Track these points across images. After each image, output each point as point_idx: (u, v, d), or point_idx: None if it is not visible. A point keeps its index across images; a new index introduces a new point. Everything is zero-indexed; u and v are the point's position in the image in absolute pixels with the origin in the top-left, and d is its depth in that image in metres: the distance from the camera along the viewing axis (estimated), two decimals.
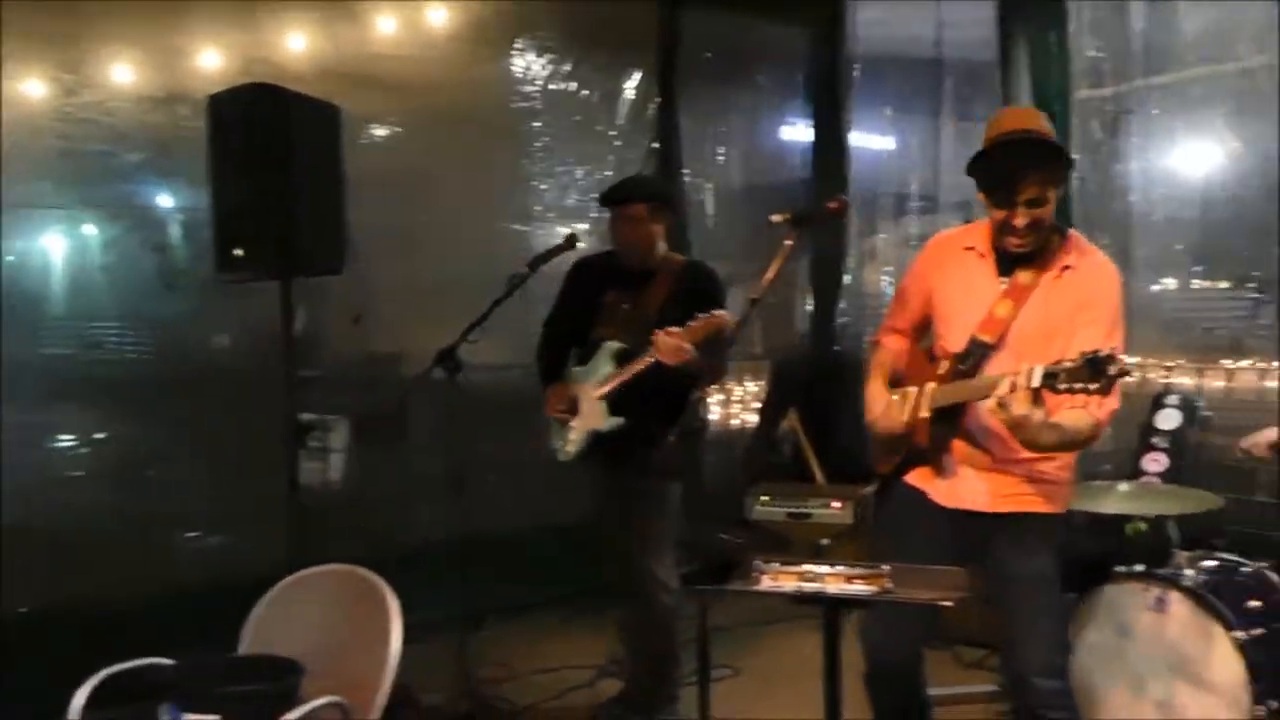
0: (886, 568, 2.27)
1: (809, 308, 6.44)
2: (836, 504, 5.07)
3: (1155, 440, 4.67)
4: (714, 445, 6.26)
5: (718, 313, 3.22)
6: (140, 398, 4.37)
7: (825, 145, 6.33)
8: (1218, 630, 3.04)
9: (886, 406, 2.76)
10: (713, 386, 3.79)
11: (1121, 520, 3.98)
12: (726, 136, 6.25)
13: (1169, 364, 5.13)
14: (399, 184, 4.97)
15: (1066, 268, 2.57)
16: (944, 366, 2.68)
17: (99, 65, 4.32)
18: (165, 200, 4.62)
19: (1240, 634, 2.99)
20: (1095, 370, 2.15)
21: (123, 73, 4.42)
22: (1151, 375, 5.18)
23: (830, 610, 2.32)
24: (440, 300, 4.69)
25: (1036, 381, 2.25)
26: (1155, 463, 4.63)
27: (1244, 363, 4.96)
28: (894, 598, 2.24)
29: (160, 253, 4.50)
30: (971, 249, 2.70)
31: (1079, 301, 2.52)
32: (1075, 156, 5.27)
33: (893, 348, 2.94)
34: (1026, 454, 2.57)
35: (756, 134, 6.48)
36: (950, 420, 2.66)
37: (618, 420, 3.57)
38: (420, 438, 4.80)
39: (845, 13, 6.17)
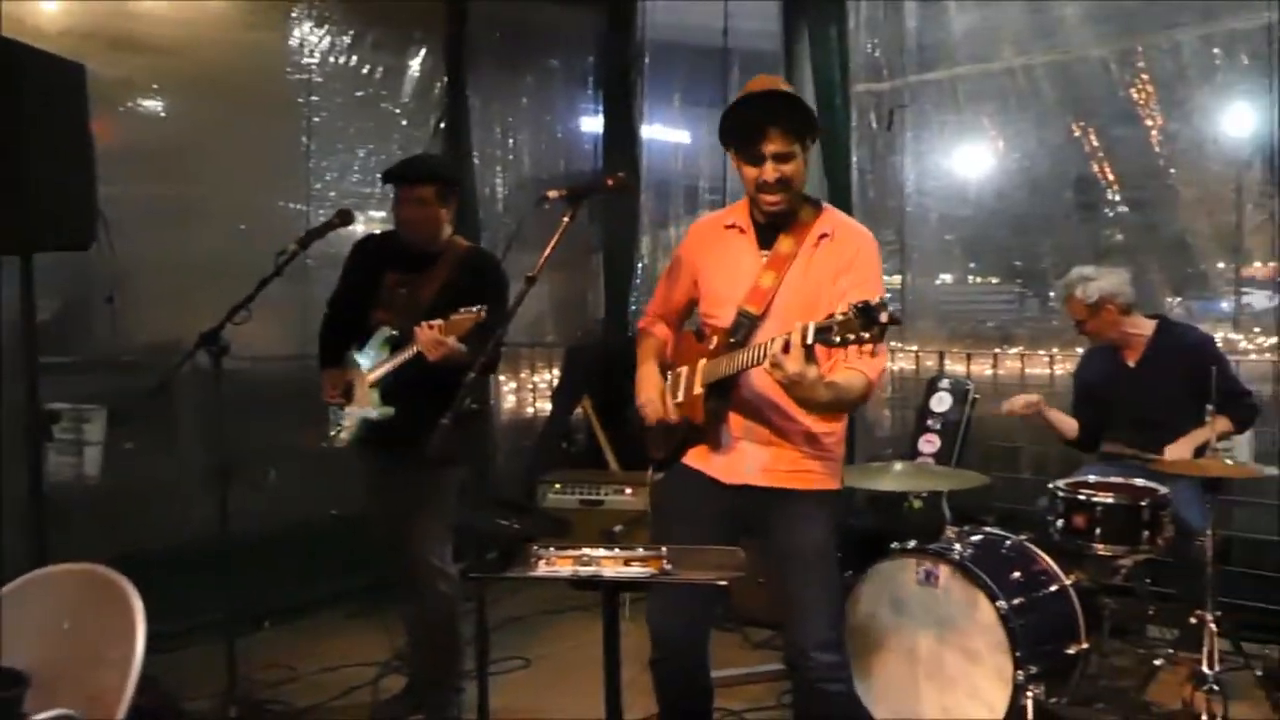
0: (664, 549, 2.23)
1: (602, 296, 6.42)
2: (629, 490, 5.12)
3: (930, 423, 4.89)
4: (508, 434, 6.16)
5: (478, 308, 3.10)
6: None
7: (616, 133, 6.31)
8: (982, 600, 3.17)
9: (660, 389, 2.76)
10: (485, 375, 3.67)
11: (899, 498, 4.15)
12: (517, 120, 6.12)
13: (942, 350, 5.39)
14: (163, 155, 4.62)
15: (824, 235, 2.63)
16: (714, 342, 2.70)
17: None
18: None
19: (1002, 604, 3.13)
20: (868, 319, 2.17)
21: None
22: (929, 363, 5.42)
23: (609, 594, 2.27)
24: (210, 280, 4.34)
25: (810, 337, 2.26)
26: (930, 444, 4.85)
27: (1012, 350, 5.26)
28: (671, 579, 2.19)
29: None
30: (732, 226, 2.75)
31: (838, 267, 2.59)
32: (854, 149, 5.47)
33: (659, 334, 2.96)
34: (805, 423, 2.63)
35: (547, 118, 6.37)
36: (725, 395, 2.67)
37: (388, 409, 3.45)
38: (189, 428, 4.48)
39: None
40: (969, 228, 5.48)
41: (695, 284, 2.83)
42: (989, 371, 5.21)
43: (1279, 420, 4.35)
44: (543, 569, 2.21)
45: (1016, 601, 3.18)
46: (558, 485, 5.28)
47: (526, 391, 6.31)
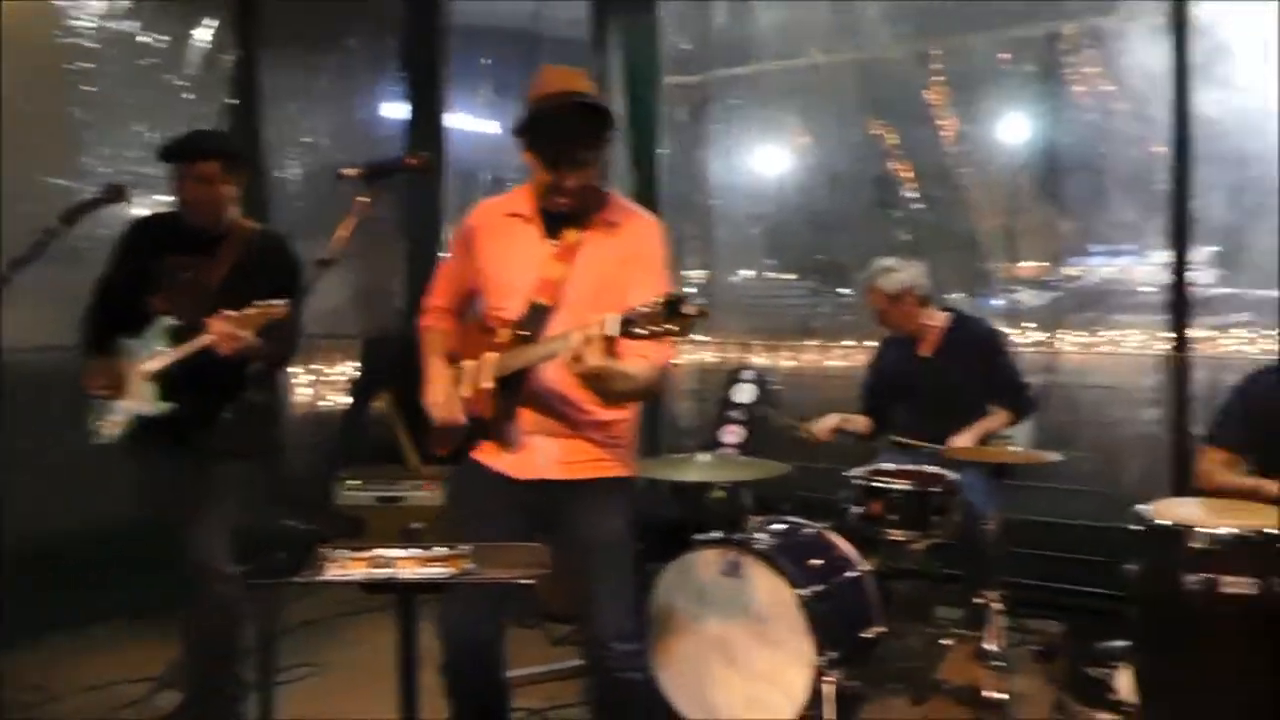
0: (466, 548, 2.13)
1: (404, 287, 6.20)
2: (429, 486, 4.93)
3: (732, 414, 4.93)
4: (302, 428, 5.86)
5: (277, 302, 2.90)
6: None
7: (422, 119, 6.09)
8: (784, 589, 3.20)
9: (448, 388, 2.66)
10: (277, 367, 3.47)
11: (702, 489, 4.15)
12: (314, 101, 5.80)
13: (744, 342, 5.47)
14: None
15: (611, 224, 2.61)
16: (503, 335, 2.62)
17: None
18: None
19: (803, 591, 3.17)
20: (673, 311, 2.13)
21: None
22: (731, 355, 5.49)
23: (405, 598, 2.15)
24: None
25: (614, 330, 2.21)
26: (732, 435, 4.88)
27: (811, 343, 5.38)
28: (475, 579, 2.10)
29: None
30: (516, 215, 2.67)
31: (626, 256, 2.56)
32: (663, 142, 5.48)
33: (443, 327, 2.86)
34: (598, 414, 2.59)
35: (348, 101, 6.09)
36: (515, 389, 2.60)
37: (164, 406, 3.20)
38: None
39: None
40: (771, 222, 5.58)
41: (477, 274, 2.74)
42: (789, 363, 5.33)
43: (1053, 409, 4.60)
44: (332, 572, 2.07)
45: (817, 589, 3.23)
46: (353, 481, 5.04)
47: (323, 384, 6.03)
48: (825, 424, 4.17)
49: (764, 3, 5.33)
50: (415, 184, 5.72)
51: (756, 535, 3.36)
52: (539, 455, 2.64)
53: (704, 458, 3.71)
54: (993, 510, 3.54)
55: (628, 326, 2.19)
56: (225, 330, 2.96)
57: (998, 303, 5.04)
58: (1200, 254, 4.28)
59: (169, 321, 3.21)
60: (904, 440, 4.07)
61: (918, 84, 4.95)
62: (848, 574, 3.43)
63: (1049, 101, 4.65)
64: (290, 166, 5.71)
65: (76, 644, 4.31)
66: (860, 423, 4.30)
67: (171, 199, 3.39)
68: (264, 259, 3.26)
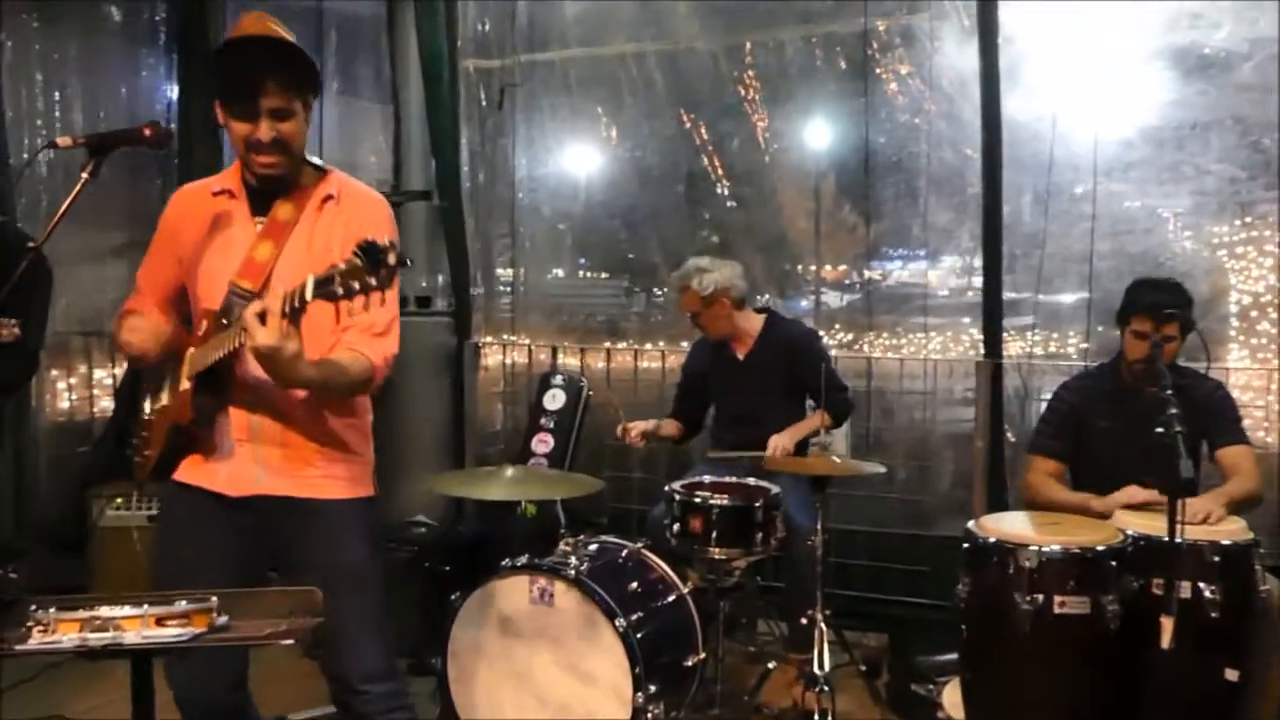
0: (213, 599, 1.74)
1: None
2: None
3: (543, 421, 4.64)
4: (58, 438, 5.17)
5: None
6: None
7: (195, 96, 5.48)
8: (600, 618, 2.91)
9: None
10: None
11: (511, 505, 3.84)
12: (65, 71, 5.13)
13: (554, 345, 5.16)
14: None
15: (329, 198, 2.32)
16: (204, 327, 2.26)
17: None
18: None
19: (621, 621, 2.89)
20: (373, 260, 1.85)
21: None
22: (541, 357, 5.19)
23: (138, 664, 1.73)
24: None
25: (310, 294, 1.91)
26: (544, 443, 4.60)
27: (622, 344, 5.13)
28: (227, 639, 1.71)
29: None
30: (222, 192, 2.35)
31: (347, 233, 2.23)
32: (464, 130, 5.12)
33: (145, 311, 2.44)
34: (326, 419, 2.30)
35: (105, 72, 5.41)
36: (218, 388, 2.24)
37: None
38: None
39: None
40: (580, 219, 5.31)
41: (180, 262, 2.36)
42: (601, 365, 5.06)
43: (869, 413, 4.52)
44: (36, 640, 1.64)
45: (635, 616, 2.95)
46: (119, 500, 4.49)
47: (84, 389, 5.35)
48: (634, 432, 3.92)
49: None
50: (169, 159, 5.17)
51: (570, 559, 3.04)
52: (254, 467, 2.28)
53: (513, 472, 3.35)
54: (814, 523, 3.36)
55: (323, 287, 1.89)
56: None
57: (805, 304, 4.93)
58: (1007, 258, 4.25)
59: None
60: (723, 455, 3.87)
61: (729, 78, 4.77)
62: (668, 598, 3.17)
63: (860, 100, 4.54)
64: (34, 144, 5.02)
65: None
66: (670, 428, 4.09)
67: None
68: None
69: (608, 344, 5.10)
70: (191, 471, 2.30)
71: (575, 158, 5.23)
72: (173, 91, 5.54)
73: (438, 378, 5.05)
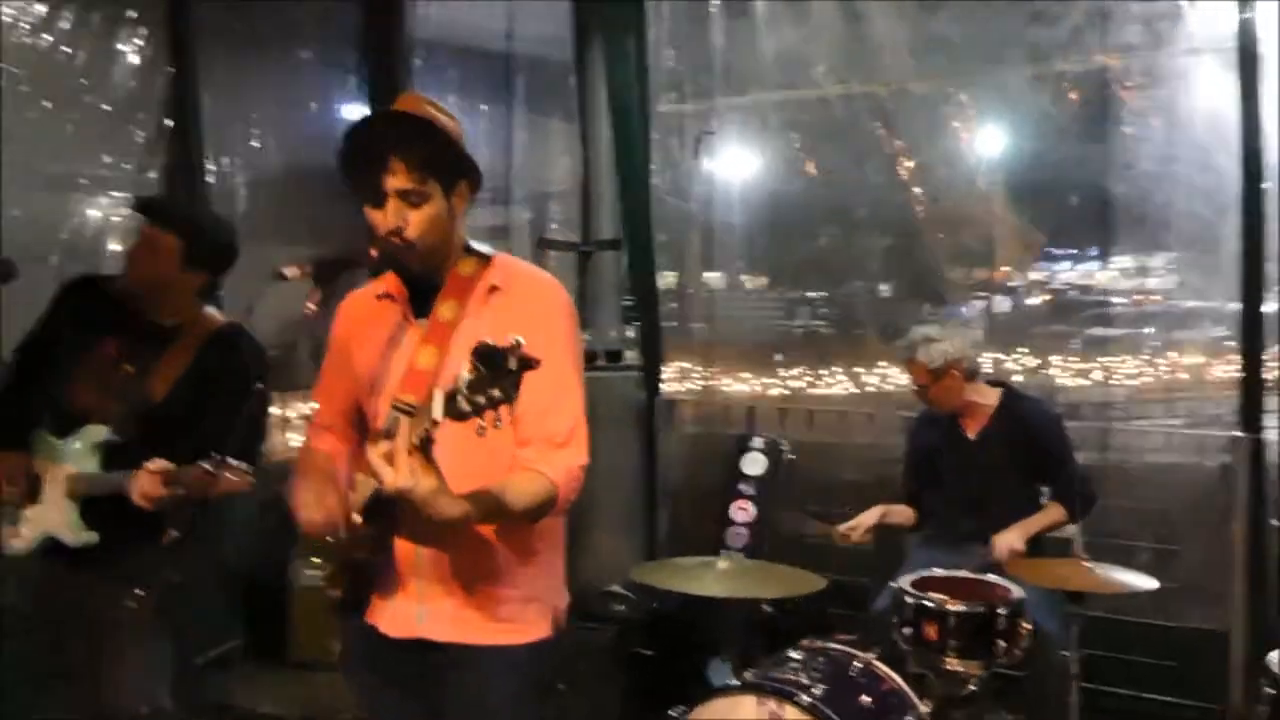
0: None
1: None
2: None
3: (742, 487, 4.40)
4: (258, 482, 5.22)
5: (232, 475, 2.35)
6: None
7: None
8: None
9: (319, 499, 2.03)
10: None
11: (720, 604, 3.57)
12: (262, 119, 5.17)
13: (752, 405, 4.93)
14: None
15: (494, 289, 2.07)
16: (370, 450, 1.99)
17: None
18: None
19: None
20: (491, 366, 1.58)
21: None
22: (730, 394, 4.97)
23: None
24: None
25: (439, 414, 1.65)
26: (743, 511, 4.37)
27: (829, 389, 4.86)
28: None
29: None
30: (385, 296, 2.13)
31: (514, 326, 1.80)
32: (655, 170, 4.94)
33: (324, 449, 2.23)
34: (495, 546, 2.04)
35: (300, 118, 5.47)
36: (384, 516, 1.97)
37: (90, 536, 2.62)
38: None
39: None
40: (779, 269, 5.06)
41: (353, 378, 2.16)
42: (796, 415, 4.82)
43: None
44: None
45: None
46: (319, 560, 4.47)
47: (278, 432, 5.39)
48: (865, 520, 3.63)
49: (769, 23, 4.77)
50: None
51: (801, 678, 2.79)
52: (415, 605, 2.05)
53: (725, 564, 3.13)
54: (1065, 632, 3.01)
55: (451, 407, 1.63)
56: (147, 493, 2.44)
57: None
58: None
59: (105, 434, 2.64)
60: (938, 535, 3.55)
61: (944, 121, 4.44)
62: (905, 719, 2.89)
63: (1097, 145, 4.14)
64: (236, 190, 5.10)
65: None
66: (905, 515, 3.78)
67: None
68: (224, 371, 2.65)
69: (809, 404, 4.83)
70: (371, 609, 2.09)
71: (774, 205, 4.98)
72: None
73: (628, 435, 4.88)
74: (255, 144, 5.17)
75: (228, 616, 4.88)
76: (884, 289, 4.77)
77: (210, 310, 2.80)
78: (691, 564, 3.24)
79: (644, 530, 4.76)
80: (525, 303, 2.04)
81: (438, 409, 1.64)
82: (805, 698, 2.71)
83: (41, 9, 4.21)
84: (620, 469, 4.82)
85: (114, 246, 4.35)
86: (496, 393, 1.58)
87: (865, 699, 2.87)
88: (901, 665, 3.07)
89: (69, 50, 4.32)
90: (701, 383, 5.09)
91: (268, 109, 5.22)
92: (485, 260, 2.09)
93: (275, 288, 2.00)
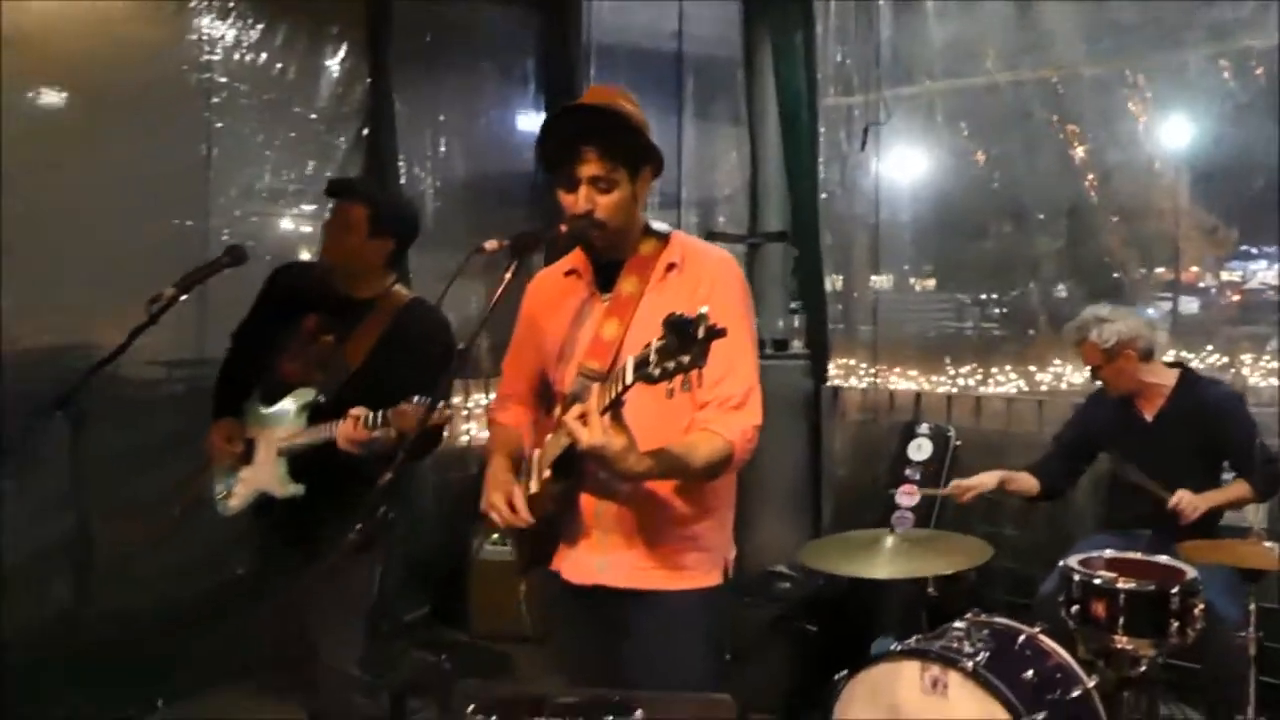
0: (639, 713, 1.71)
1: None
2: None
3: (908, 472, 4.43)
4: (436, 467, 5.56)
5: (408, 407, 2.54)
6: None
7: None
8: (1001, 715, 2.68)
9: (505, 487, 2.23)
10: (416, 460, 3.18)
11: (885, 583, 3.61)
12: (448, 125, 5.50)
13: (919, 392, 4.92)
14: (32, 164, 3.97)
15: (672, 266, 2.23)
16: (558, 413, 2.20)
17: None
18: None
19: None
20: (680, 335, 1.72)
21: None
22: (902, 399, 4.97)
23: None
24: (90, 310, 3.77)
25: (630, 378, 1.81)
26: (909, 495, 4.39)
27: (998, 389, 4.80)
28: None
29: None
30: (571, 272, 2.35)
31: (694, 300, 2.02)
32: (823, 168, 5.01)
33: (511, 420, 2.46)
34: (671, 501, 2.20)
35: (482, 123, 5.79)
36: (571, 474, 2.18)
37: (297, 488, 2.90)
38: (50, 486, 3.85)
39: None
40: (946, 258, 5.04)
41: (540, 349, 2.37)
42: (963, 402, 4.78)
43: None
44: None
45: (1039, 716, 2.70)
46: (495, 535, 4.74)
47: (460, 420, 5.71)
48: (984, 481, 3.60)
49: (937, 13, 4.78)
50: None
51: (964, 646, 2.84)
52: (596, 555, 2.23)
53: (893, 541, 3.18)
54: (1242, 615, 2.95)
55: (642, 372, 1.79)
56: (351, 436, 2.68)
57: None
58: None
59: (311, 395, 2.92)
60: (1137, 481, 3.45)
61: (1117, 105, 4.34)
62: (1072, 693, 2.88)
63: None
64: (424, 194, 5.44)
65: (218, 704, 4.12)
66: (1027, 484, 3.71)
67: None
68: (413, 337, 2.91)
69: (977, 392, 4.80)
70: (557, 559, 2.30)
71: (942, 194, 4.97)
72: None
73: (794, 422, 4.96)
74: (442, 149, 5.51)
75: (415, 589, 5.24)
76: (1060, 290, 4.63)
77: (399, 287, 3.07)
78: (859, 540, 3.28)
79: (810, 515, 4.83)
80: (701, 277, 2.20)
81: (630, 374, 1.82)
82: (968, 663, 2.76)
83: (258, 28, 4.63)
84: (786, 455, 4.91)
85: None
86: (685, 359, 1.73)
87: (1029, 672, 2.87)
88: (1070, 646, 3.06)
89: (280, 65, 4.74)
90: (868, 380, 5.10)
91: (453, 116, 5.57)
92: (664, 239, 2.27)
93: (471, 264, 2.22)
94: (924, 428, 4.50)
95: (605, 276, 2.27)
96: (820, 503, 4.94)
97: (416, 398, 2.54)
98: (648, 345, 1.79)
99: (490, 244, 2.16)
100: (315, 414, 2.88)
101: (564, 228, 2.17)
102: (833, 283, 5.11)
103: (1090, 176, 4.43)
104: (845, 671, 2.94)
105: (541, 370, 2.39)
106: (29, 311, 3.97)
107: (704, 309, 1.74)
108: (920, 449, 4.46)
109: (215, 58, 4.52)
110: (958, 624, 2.96)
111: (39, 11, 3.93)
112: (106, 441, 3.18)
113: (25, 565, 3.71)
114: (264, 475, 2.95)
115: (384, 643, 3.28)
